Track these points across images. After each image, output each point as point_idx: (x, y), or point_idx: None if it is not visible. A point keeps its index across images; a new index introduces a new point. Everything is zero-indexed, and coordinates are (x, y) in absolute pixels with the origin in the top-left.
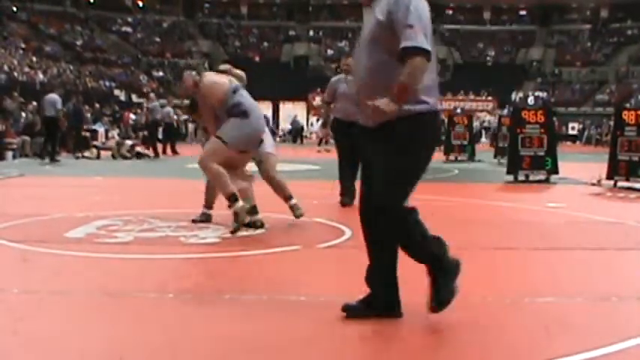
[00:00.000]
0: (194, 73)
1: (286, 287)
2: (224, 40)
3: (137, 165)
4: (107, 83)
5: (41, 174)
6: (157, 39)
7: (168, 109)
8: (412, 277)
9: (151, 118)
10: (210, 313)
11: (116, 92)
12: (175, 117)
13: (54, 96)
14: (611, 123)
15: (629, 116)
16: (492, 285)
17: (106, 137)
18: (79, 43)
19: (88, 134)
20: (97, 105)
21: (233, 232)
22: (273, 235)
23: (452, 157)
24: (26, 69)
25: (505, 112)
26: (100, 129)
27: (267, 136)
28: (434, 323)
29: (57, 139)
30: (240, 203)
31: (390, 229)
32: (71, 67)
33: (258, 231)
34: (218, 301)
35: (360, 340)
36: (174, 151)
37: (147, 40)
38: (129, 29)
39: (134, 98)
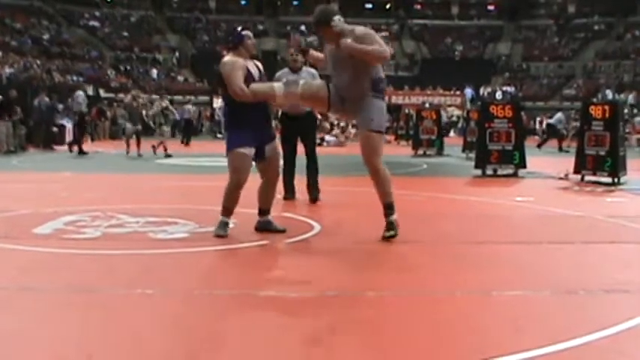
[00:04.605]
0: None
1: (255, 282)
2: (192, 34)
3: (105, 161)
4: (74, 78)
5: (7, 170)
6: (125, 33)
7: (189, 106)
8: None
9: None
10: (178, 309)
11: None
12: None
13: (80, 92)
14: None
15: (595, 111)
16: (460, 279)
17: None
18: (45, 37)
19: (56, 130)
20: (69, 100)
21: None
22: (241, 230)
23: (420, 152)
24: None
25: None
26: (68, 124)
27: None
28: (401, 317)
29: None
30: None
31: None
32: (38, 62)
33: (229, 225)
34: (187, 297)
35: (330, 334)
36: (187, 144)
37: (115, 34)
38: (96, 23)
39: (102, 93)
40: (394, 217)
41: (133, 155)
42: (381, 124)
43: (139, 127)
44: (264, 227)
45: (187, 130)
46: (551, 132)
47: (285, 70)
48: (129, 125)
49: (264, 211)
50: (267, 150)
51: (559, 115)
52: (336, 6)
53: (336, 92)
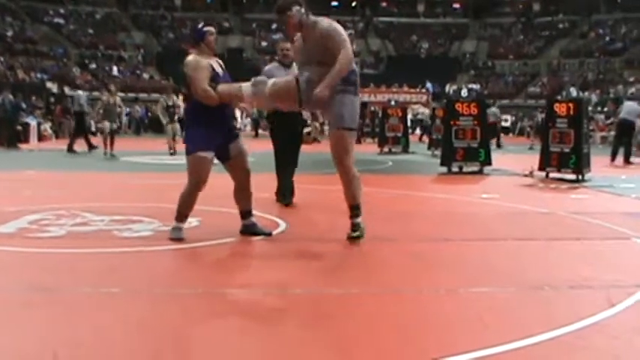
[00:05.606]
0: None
1: (221, 280)
2: (158, 31)
3: (71, 159)
4: (39, 75)
5: None
6: (90, 30)
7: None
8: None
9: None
10: (144, 308)
11: (48, 85)
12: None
13: (82, 93)
14: (539, 115)
15: (560, 108)
16: (427, 276)
17: (39, 131)
18: (9, 34)
19: (20, 128)
20: (34, 97)
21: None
22: (207, 227)
23: (386, 149)
24: None
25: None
26: (33, 122)
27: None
28: (368, 314)
29: (87, 132)
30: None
31: None
32: (2, 59)
33: (193, 224)
34: (152, 295)
35: (295, 332)
36: None
37: (79, 31)
38: (61, 20)
39: (67, 91)
40: (360, 219)
41: (106, 154)
42: (353, 120)
43: (115, 126)
44: (249, 231)
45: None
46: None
47: (275, 64)
48: (106, 124)
49: (244, 212)
50: (232, 149)
51: (492, 109)
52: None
53: (307, 87)
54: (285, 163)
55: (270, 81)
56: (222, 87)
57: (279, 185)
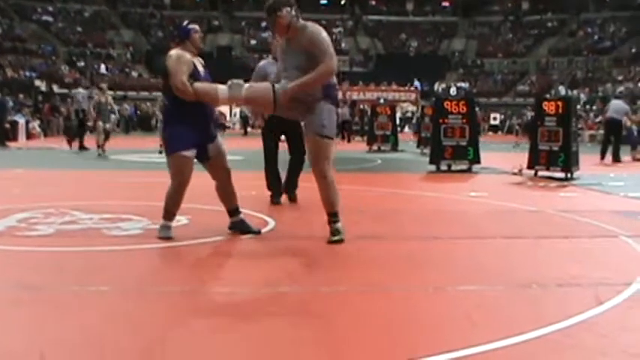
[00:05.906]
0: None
1: (209, 278)
2: (147, 30)
3: (59, 157)
4: (27, 73)
5: None
6: (79, 28)
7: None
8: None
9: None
10: (133, 306)
11: (37, 83)
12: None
13: (82, 90)
14: (529, 113)
15: (549, 107)
16: (416, 274)
17: (27, 129)
18: None
19: (8, 126)
20: (22, 95)
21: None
22: (196, 225)
23: (375, 147)
24: None
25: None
26: (21, 120)
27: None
28: (355, 313)
29: (85, 130)
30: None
31: None
32: None
33: (182, 222)
34: (141, 294)
35: (283, 330)
36: None
37: (68, 29)
38: (50, 18)
39: (55, 89)
40: (339, 224)
41: (93, 153)
42: (332, 129)
43: (108, 125)
44: (238, 228)
45: None
46: None
47: (270, 60)
48: (100, 123)
49: (231, 211)
50: (211, 149)
51: None
52: None
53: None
54: (272, 162)
55: (246, 85)
56: (199, 85)
57: (268, 182)
